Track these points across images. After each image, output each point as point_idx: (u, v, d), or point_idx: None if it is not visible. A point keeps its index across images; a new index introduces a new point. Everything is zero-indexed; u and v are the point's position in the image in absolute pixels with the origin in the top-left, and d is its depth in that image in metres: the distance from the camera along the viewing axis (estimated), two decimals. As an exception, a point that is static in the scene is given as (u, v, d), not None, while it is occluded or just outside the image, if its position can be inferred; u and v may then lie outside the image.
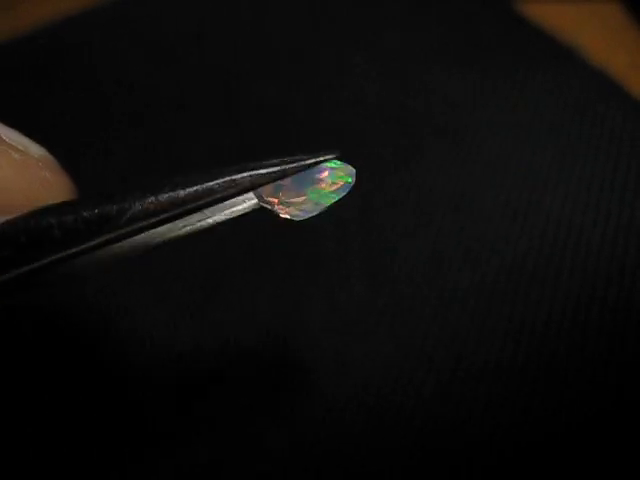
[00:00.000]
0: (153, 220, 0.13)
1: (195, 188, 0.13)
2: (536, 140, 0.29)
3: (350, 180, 0.15)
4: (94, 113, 0.30)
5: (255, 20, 0.34)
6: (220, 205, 0.14)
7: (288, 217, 0.14)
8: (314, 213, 0.14)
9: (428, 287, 0.25)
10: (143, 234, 0.14)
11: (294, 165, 0.14)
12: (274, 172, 0.14)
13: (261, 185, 0.14)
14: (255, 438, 0.22)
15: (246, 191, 0.14)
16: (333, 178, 0.14)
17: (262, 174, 0.14)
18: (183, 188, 0.13)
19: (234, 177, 0.14)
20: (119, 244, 0.13)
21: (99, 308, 0.24)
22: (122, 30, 0.33)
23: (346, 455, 0.22)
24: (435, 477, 0.21)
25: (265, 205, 0.14)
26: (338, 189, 0.14)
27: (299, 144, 0.29)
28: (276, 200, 0.14)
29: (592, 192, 0.28)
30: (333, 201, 0.14)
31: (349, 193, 0.15)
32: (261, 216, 0.14)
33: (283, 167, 0.14)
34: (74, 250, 0.13)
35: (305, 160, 0.14)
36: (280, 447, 0.22)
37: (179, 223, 0.14)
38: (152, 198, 0.13)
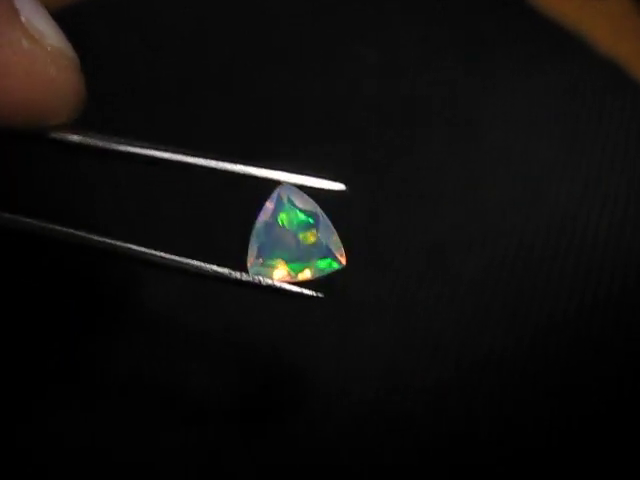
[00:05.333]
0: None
1: None
2: (543, 130, 0.29)
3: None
4: (93, 108, 0.30)
5: (259, 10, 0.34)
6: None
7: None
8: None
9: (432, 275, 0.25)
10: None
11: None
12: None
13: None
14: (257, 423, 0.22)
15: None
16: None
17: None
18: None
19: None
20: None
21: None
22: (123, 19, 0.33)
23: (350, 441, 0.22)
24: (437, 465, 0.21)
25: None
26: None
27: (306, 132, 0.29)
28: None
29: (599, 181, 0.27)
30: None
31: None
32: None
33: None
34: None
35: (307, 176, 0.14)
36: (284, 432, 0.22)
37: None
38: None
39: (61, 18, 0.32)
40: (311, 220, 0.14)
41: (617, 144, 0.29)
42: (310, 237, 0.14)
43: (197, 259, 0.14)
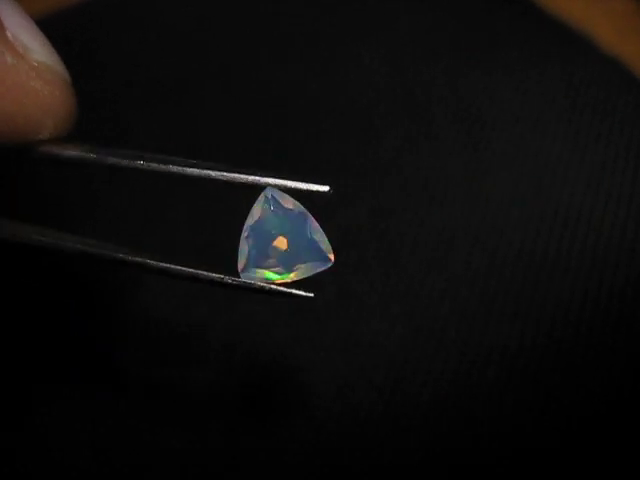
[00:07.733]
0: None
1: None
2: (547, 128, 0.29)
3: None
4: (94, 107, 0.30)
5: (259, 10, 0.34)
6: None
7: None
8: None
9: (437, 270, 0.25)
10: None
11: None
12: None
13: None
14: (258, 423, 0.22)
15: None
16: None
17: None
18: None
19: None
20: None
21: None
22: (124, 19, 0.33)
23: (350, 440, 0.22)
24: (437, 465, 0.21)
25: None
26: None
27: (306, 132, 0.29)
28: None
29: (603, 179, 0.27)
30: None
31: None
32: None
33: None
34: None
35: (292, 181, 0.14)
36: (284, 432, 0.22)
37: None
38: None
39: (62, 18, 0.32)
40: (293, 223, 0.14)
41: (619, 142, 0.29)
42: (286, 241, 0.14)
43: (192, 261, 0.14)
